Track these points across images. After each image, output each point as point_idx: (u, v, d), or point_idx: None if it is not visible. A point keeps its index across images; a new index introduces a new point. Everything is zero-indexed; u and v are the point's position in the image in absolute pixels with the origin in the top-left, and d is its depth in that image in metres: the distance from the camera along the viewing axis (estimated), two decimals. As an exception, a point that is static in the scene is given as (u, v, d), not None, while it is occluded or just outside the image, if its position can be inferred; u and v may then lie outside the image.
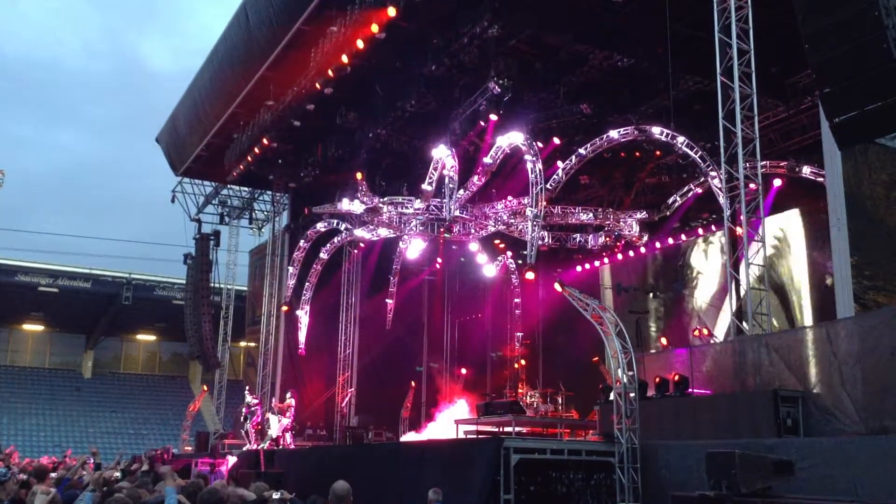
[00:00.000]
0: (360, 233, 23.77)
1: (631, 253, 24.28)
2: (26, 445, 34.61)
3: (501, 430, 15.74)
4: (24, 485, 8.14)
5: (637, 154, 21.44)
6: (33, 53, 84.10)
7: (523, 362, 25.77)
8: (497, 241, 24.81)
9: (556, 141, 20.09)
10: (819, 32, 8.37)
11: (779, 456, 7.43)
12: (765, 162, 14.89)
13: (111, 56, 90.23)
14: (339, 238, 24.75)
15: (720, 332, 19.55)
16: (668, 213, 21.64)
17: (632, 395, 11.96)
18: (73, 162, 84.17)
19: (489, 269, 24.41)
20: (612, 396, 12.54)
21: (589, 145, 19.65)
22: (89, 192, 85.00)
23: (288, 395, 22.95)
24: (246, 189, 31.77)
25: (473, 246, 23.89)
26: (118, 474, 8.68)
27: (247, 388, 25.56)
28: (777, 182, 18.81)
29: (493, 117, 18.32)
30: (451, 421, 18.47)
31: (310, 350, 25.97)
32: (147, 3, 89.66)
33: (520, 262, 24.55)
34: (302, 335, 25.68)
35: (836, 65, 8.30)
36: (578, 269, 26.00)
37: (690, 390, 12.87)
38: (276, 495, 6.25)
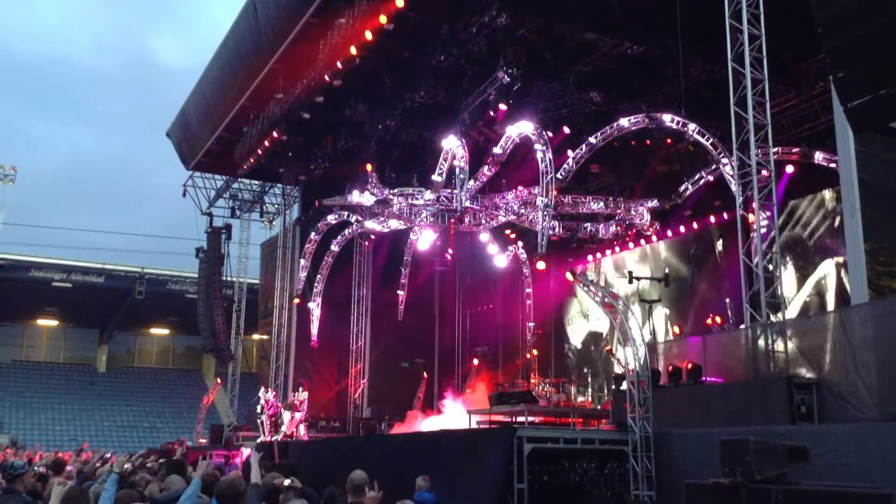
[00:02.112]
0: (370, 225, 23.77)
1: (642, 241, 24.18)
2: (42, 439, 34.97)
3: (514, 419, 15.75)
4: (42, 478, 8.21)
5: (648, 142, 21.32)
6: (45, 51, 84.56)
7: (535, 352, 25.76)
8: (508, 232, 24.77)
9: (566, 130, 20.02)
10: (833, 17, 8.32)
11: (793, 443, 7.39)
12: (777, 148, 14.78)
13: (122, 52, 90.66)
14: (350, 230, 24.77)
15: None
16: (679, 202, 21.51)
17: (645, 383, 11.96)
18: (85, 158, 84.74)
19: (500, 260, 24.36)
20: (624, 385, 12.54)
21: (599, 134, 19.56)
22: (101, 187, 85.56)
23: (300, 388, 23.03)
24: (256, 182, 31.82)
25: (484, 236, 23.85)
26: (129, 465, 8.72)
27: (262, 388, 25.50)
28: (789, 168, 18.67)
29: (503, 107, 18.26)
30: (461, 411, 18.50)
31: (322, 342, 26.01)
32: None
33: (531, 252, 24.49)
34: (314, 327, 25.71)
35: (849, 49, 8.24)
36: (590, 258, 25.92)
37: (703, 378, 12.85)
38: (286, 482, 6.43)
